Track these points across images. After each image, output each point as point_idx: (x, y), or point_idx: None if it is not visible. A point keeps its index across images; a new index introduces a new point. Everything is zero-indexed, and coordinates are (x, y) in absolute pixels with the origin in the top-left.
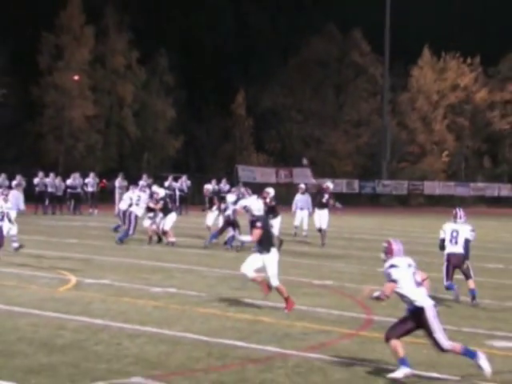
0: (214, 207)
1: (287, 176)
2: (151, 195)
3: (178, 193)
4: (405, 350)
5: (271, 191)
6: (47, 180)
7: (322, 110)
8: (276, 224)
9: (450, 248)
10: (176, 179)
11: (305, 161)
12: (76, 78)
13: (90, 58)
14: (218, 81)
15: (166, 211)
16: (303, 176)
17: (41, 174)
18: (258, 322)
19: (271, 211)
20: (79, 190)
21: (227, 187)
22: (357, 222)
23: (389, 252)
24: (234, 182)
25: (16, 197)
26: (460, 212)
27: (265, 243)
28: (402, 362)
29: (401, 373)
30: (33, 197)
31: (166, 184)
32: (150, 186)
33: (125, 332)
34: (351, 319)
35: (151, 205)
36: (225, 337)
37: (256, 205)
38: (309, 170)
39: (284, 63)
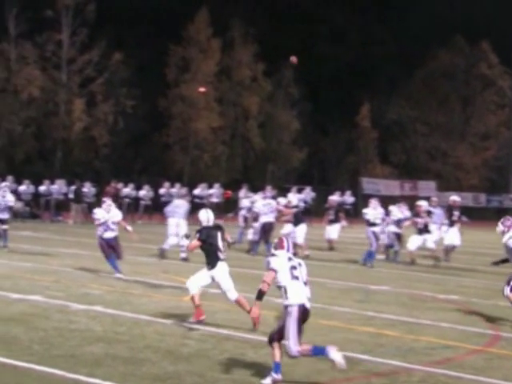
0: (342, 220)
1: (412, 189)
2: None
3: (301, 205)
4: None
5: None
6: (173, 190)
7: (449, 123)
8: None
9: None
10: (300, 191)
11: (293, 59)
12: (202, 89)
13: (216, 70)
14: (342, 93)
15: (296, 221)
16: (428, 189)
17: (167, 184)
18: (382, 335)
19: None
20: (205, 200)
21: (351, 199)
22: (482, 237)
23: (279, 247)
24: (358, 195)
25: (179, 206)
26: None
27: (210, 258)
28: (277, 367)
29: (268, 380)
30: (159, 207)
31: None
32: (274, 198)
33: (249, 342)
34: (477, 335)
35: (282, 209)
36: (348, 349)
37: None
38: (433, 183)
39: (409, 75)
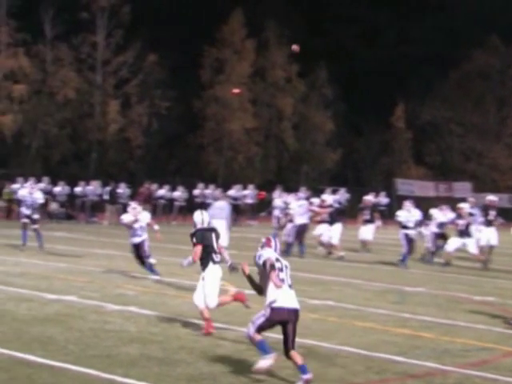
0: (377, 221)
1: (447, 190)
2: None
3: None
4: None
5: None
6: (207, 192)
7: (484, 123)
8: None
9: None
10: (334, 192)
11: (294, 48)
12: (236, 90)
13: (251, 71)
14: (376, 93)
15: (332, 221)
16: (463, 190)
17: (201, 185)
18: (417, 337)
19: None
20: (239, 201)
21: (385, 201)
22: None
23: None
24: (392, 196)
25: (221, 208)
26: None
27: (204, 259)
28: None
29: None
30: (193, 208)
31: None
32: (307, 199)
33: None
34: None
35: (316, 209)
36: (383, 351)
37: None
38: (469, 184)
39: (444, 76)
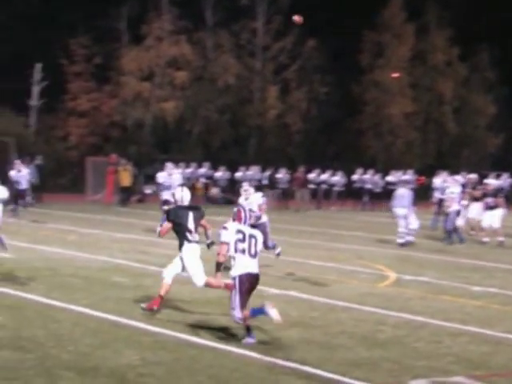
0: None
1: None
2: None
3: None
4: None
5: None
6: (366, 177)
7: None
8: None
9: None
10: (498, 177)
11: (296, 19)
12: (396, 75)
13: (410, 55)
14: None
15: (493, 206)
16: None
17: (360, 170)
18: None
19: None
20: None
21: None
22: None
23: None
24: None
25: (403, 195)
26: None
27: (179, 239)
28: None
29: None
30: (352, 193)
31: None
32: (463, 186)
33: (445, 330)
34: None
35: (475, 193)
36: None
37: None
38: None
39: None
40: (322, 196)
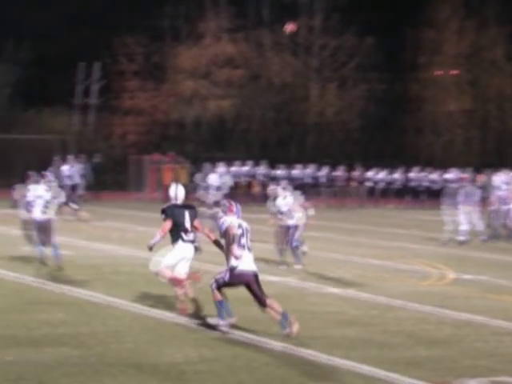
0: None
1: None
2: None
3: None
4: None
5: None
6: (422, 175)
7: None
8: None
9: None
10: None
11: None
12: (454, 72)
13: (468, 52)
14: None
15: None
16: None
17: (417, 168)
18: None
19: None
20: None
21: None
22: None
23: (228, 211)
24: None
25: (471, 193)
26: None
27: (173, 238)
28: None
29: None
30: (409, 191)
31: None
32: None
33: (506, 330)
34: None
35: None
36: None
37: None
38: None
39: None
40: (380, 194)
